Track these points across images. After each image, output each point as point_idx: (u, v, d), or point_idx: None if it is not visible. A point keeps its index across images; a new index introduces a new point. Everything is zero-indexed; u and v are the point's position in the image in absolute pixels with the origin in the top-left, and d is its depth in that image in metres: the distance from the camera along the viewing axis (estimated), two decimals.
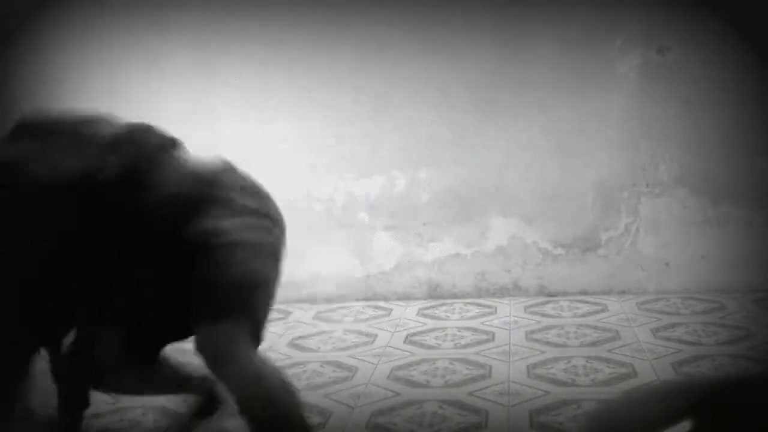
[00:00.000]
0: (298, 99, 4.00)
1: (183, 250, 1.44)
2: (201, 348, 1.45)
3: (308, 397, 2.70)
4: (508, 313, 3.67)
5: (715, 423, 1.07)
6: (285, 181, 4.10)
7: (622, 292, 3.86)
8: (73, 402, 1.97)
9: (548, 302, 3.83)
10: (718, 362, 2.82)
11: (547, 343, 3.17)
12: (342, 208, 4.06)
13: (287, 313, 3.91)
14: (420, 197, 3.97)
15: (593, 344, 3.11)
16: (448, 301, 3.91)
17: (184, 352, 1.75)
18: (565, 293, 3.92)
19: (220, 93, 4.07)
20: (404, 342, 3.30)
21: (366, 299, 4.00)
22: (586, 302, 3.77)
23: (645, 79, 3.78)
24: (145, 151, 1.39)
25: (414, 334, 3.39)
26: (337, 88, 3.97)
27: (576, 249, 3.93)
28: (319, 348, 3.29)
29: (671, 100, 3.78)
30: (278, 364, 3.10)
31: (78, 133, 1.32)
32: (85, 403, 2.06)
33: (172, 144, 1.50)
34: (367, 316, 3.73)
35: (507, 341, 3.23)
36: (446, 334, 3.35)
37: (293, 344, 3.37)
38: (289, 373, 3.01)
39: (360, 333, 3.45)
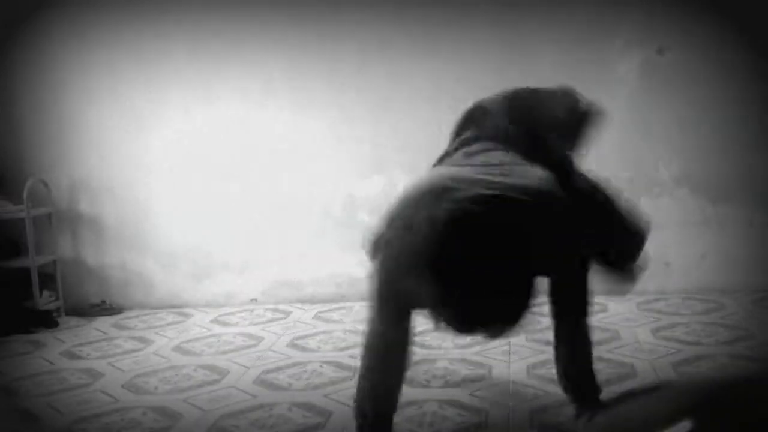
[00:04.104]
0: (299, 99, 4.01)
1: None
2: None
3: (308, 397, 2.70)
4: None
5: (715, 423, 1.07)
6: (285, 182, 4.11)
7: (622, 292, 3.85)
8: None
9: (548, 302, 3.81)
10: (718, 362, 2.81)
11: (547, 343, 3.15)
12: (342, 209, 4.06)
13: (287, 313, 3.92)
14: None
15: (593, 344, 3.10)
16: None
17: None
18: None
19: (220, 93, 4.07)
20: None
21: (366, 299, 3.98)
22: None
23: (645, 80, 3.78)
24: None
25: (413, 335, 3.37)
26: (338, 88, 3.97)
27: None
28: (319, 348, 3.29)
29: (671, 101, 3.78)
30: (278, 364, 3.12)
31: None
32: None
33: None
34: None
35: (507, 341, 3.23)
36: (446, 334, 3.34)
37: (293, 344, 3.37)
38: (289, 373, 3.01)
39: (360, 333, 3.45)
